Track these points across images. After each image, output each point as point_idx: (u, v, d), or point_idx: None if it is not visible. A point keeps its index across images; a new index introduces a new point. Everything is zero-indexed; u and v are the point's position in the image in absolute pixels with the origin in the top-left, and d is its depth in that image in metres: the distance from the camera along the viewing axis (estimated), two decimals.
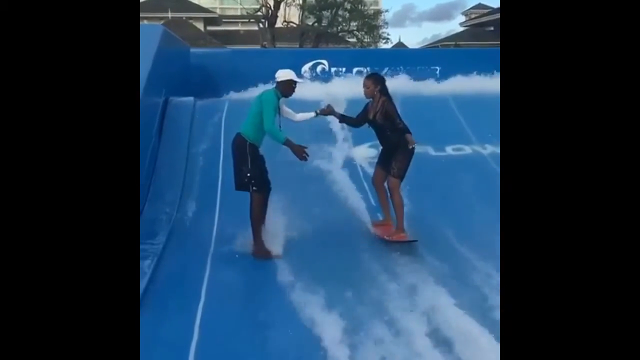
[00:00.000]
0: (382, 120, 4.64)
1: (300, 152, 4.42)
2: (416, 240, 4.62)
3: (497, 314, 1.89)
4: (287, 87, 4.53)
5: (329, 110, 4.91)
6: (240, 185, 4.51)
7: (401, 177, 4.67)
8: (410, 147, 4.50)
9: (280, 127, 4.58)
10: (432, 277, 4.11)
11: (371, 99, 4.78)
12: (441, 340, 3.30)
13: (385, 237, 4.74)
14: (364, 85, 4.76)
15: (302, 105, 5.03)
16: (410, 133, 4.55)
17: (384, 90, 4.70)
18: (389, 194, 4.79)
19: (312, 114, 4.88)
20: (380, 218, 5.14)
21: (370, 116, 4.74)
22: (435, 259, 4.44)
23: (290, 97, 4.62)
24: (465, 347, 3.22)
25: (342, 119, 5.02)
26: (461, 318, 3.52)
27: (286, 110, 4.77)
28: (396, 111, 4.61)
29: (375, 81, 4.73)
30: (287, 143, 4.39)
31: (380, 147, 4.97)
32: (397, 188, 4.66)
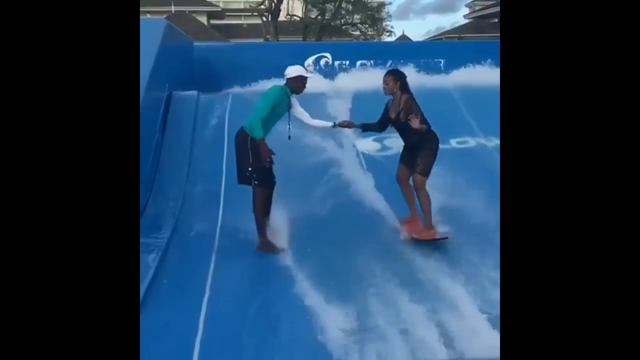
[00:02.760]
0: (405, 119, 4.50)
1: (265, 156, 4.31)
2: (446, 237, 4.52)
3: (497, 306, 1.89)
4: (298, 84, 4.50)
5: (348, 124, 4.88)
6: (243, 179, 4.52)
7: (427, 174, 4.58)
8: (416, 128, 4.36)
9: (290, 126, 4.62)
10: (435, 269, 4.12)
11: (391, 96, 4.68)
12: (444, 331, 3.32)
13: (414, 235, 4.63)
14: (384, 82, 4.63)
15: (306, 99, 5.01)
16: (429, 127, 4.53)
17: (404, 87, 4.58)
18: (414, 192, 4.67)
19: (330, 124, 4.81)
20: (406, 214, 5.03)
21: (393, 115, 4.64)
22: (438, 251, 4.44)
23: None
24: (466, 338, 3.24)
25: (365, 127, 4.94)
26: (463, 309, 3.55)
27: (301, 111, 4.71)
28: (419, 108, 4.49)
29: (396, 77, 4.59)
30: (260, 141, 4.28)
31: (402, 144, 4.86)
32: (423, 185, 4.57)
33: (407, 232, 4.74)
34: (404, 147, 4.84)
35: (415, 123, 4.36)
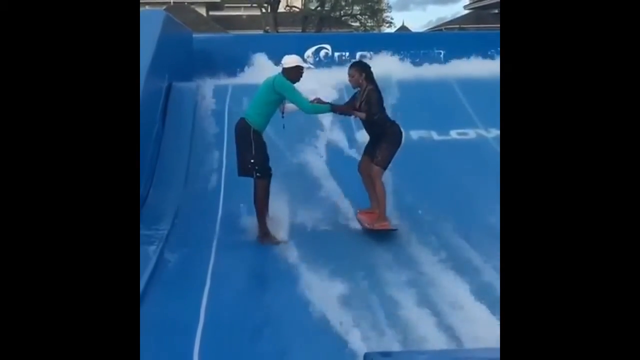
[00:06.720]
0: (366, 110, 4.57)
1: (351, 109, 4.63)
2: (396, 229, 4.59)
3: (497, 297, 1.91)
4: (295, 73, 4.48)
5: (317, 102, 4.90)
6: (244, 171, 4.51)
7: (384, 167, 4.65)
8: (362, 118, 4.56)
9: (283, 116, 4.63)
10: (434, 260, 4.13)
11: (358, 88, 4.72)
12: (442, 320, 3.34)
13: (367, 225, 4.69)
14: (349, 75, 4.69)
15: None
16: (389, 121, 4.66)
17: (369, 78, 4.64)
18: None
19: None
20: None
21: (357, 105, 4.69)
22: (438, 242, 4.45)
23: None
24: (465, 327, 3.26)
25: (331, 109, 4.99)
26: (463, 300, 3.56)
27: None
28: (380, 100, 4.58)
29: (360, 69, 4.67)
30: (334, 109, 4.65)
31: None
32: (379, 177, 4.64)
33: (362, 222, 4.78)
34: (369, 139, 4.88)
35: (360, 116, 4.58)
